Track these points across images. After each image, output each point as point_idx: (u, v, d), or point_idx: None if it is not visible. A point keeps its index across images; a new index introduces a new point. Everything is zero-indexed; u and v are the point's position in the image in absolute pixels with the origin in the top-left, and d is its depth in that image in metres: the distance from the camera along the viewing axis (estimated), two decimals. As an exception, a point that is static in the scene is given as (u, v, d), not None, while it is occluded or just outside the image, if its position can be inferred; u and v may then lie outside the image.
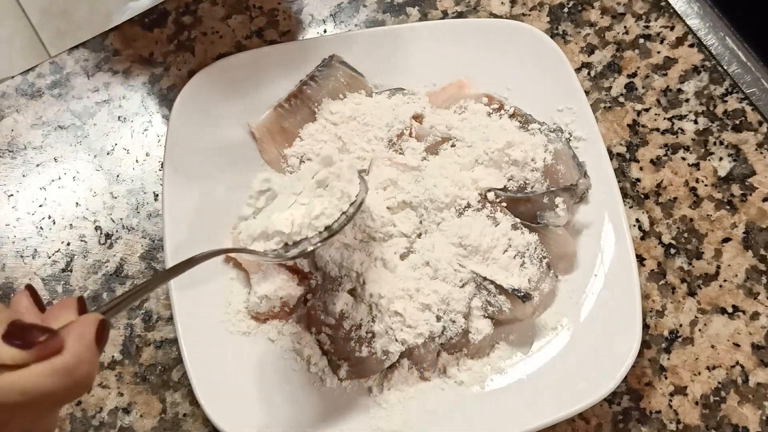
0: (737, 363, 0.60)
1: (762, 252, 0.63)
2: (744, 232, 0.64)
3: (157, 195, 0.68)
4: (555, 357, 0.58)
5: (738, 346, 0.61)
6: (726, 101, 0.69)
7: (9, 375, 0.32)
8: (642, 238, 0.65)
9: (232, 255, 0.61)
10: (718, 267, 0.63)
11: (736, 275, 0.63)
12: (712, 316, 0.62)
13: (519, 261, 0.59)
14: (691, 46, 0.71)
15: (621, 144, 0.68)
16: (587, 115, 0.64)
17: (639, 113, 0.69)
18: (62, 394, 0.33)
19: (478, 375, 0.58)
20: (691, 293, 0.63)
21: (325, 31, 0.74)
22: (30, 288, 0.37)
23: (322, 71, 0.66)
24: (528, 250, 0.60)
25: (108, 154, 0.70)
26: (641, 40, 0.72)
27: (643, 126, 0.68)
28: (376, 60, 0.68)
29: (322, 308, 0.58)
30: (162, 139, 0.69)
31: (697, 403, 0.59)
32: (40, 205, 0.68)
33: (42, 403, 0.33)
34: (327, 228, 0.53)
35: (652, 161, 0.67)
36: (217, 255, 0.50)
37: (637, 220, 0.65)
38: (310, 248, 0.52)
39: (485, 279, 0.58)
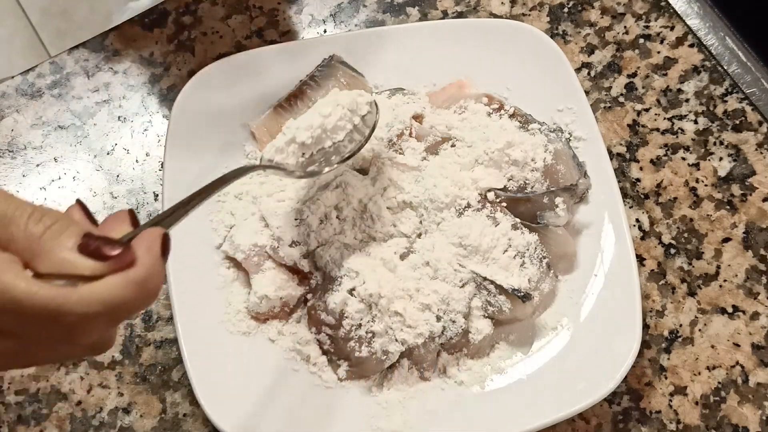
0: (737, 363, 0.60)
1: (762, 252, 0.63)
2: (744, 232, 0.64)
3: (157, 195, 0.68)
4: (555, 357, 0.58)
5: (738, 346, 0.61)
6: (726, 101, 0.69)
7: (90, 286, 0.33)
8: (642, 238, 0.65)
9: (231, 255, 0.61)
10: (718, 267, 0.63)
11: (736, 275, 0.63)
12: (712, 316, 0.62)
13: (519, 261, 0.59)
14: (691, 46, 0.71)
15: (621, 144, 0.68)
16: (587, 115, 0.64)
17: (639, 113, 0.69)
18: (136, 304, 0.35)
19: (478, 375, 0.58)
20: (691, 293, 0.63)
21: (325, 31, 0.74)
22: (80, 202, 0.38)
23: (322, 71, 0.66)
24: (528, 250, 0.60)
25: (108, 154, 0.70)
26: (641, 40, 0.72)
27: (643, 126, 0.68)
28: (376, 60, 0.68)
29: (322, 308, 0.58)
30: (162, 139, 0.69)
31: (697, 403, 0.59)
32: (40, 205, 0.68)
33: (118, 313, 0.35)
34: (343, 154, 0.57)
35: (652, 161, 0.67)
36: (249, 171, 0.53)
37: (637, 220, 0.65)
38: (327, 169, 0.56)
39: (485, 279, 0.58)
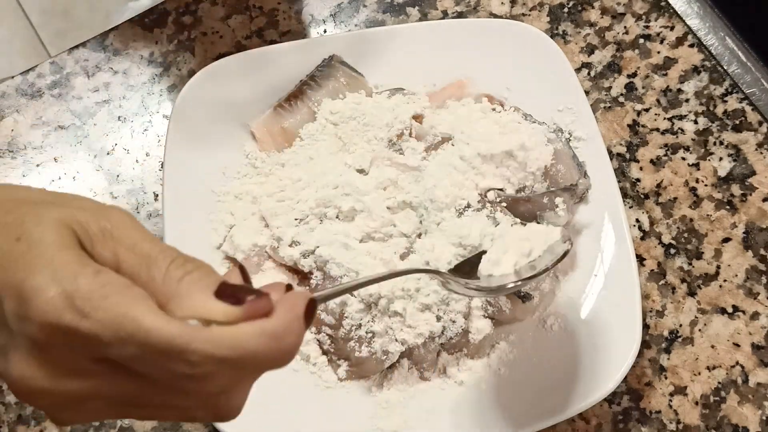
0: (737, 363, 0.60)
1: (762, 252, 0.63)
2: (744, 232, 0.64)
3: (157, 195, 0.68)
4: (555, 357, 0.58)
5: (738, 346, 0.61)
6: (726, 101, 0.69)
7: (221, 328, 0.32)
8: (642, 238, 0.65)
9: (231, 255, 0.61)
10: (718, 267, 0.63)
11: (736, 275, 0.63)
12: (712, 316, 0.62)
13: (519, 261, 0.59)
14: (691, 46, 0.71)
15: (621, 144, 0.68)
16: (587, 115, 0.64)
17: (639, 113, 0.69)
18: (267, 359, 0.33)
19: (478, 375, 0.58)
20: (691, 293, 0.63)
21: (325, 31, 0.74)
22: (242, 267, 0.37)
23: (322, 71, 0.66)
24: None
25: (108, 154, 0.70)
26: (641, 40, 0.72)
27: (643, 126, 0.68)
28: (376, 60, 0.68)
29: (322, 308, 0.58)
30: (162, 139, 0.69)
31: (697, 403, 0.59)
32: (40, 205, 0.68)
33: (246, 363, 0.33)
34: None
35: (652, 161, 0.67)
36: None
37: (637, 220, 0.65)
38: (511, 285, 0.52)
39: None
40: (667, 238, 0.64)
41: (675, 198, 0.66)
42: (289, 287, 0.36)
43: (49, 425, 0.61)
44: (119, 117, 0.71)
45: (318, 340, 0.59)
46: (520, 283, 0.51)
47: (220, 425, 0.55)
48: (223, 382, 0.33)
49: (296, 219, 0.61)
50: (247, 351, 0.32)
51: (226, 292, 0.33)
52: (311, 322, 0.35)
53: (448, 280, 0.51)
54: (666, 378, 0.60)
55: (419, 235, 0.61)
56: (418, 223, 0.61)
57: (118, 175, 0.69)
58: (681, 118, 0.69)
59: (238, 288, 0.34)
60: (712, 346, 0.61)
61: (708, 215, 0.65)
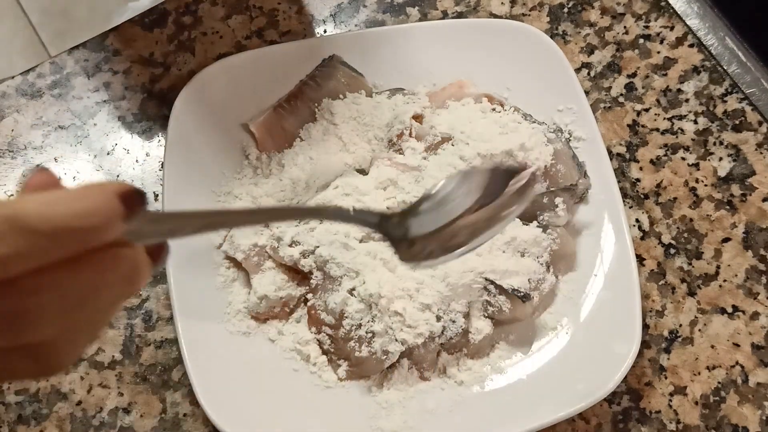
0: (737, 363, 0.60)
1: (762, 252, 0.63)
2: (744, 232, 0.64)
3: (157, 195, 0.68)
4: (555, 357, 0.58)
5: (738, 346, 0.61)
6: (726, 101, 0.69)
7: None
8: (642, 238, 0.65)
9: (231, 255, 0.61)
10: (718, 267, 0.63)
11: (736, 275, 0.63)
12: (712, 316, 0.62)
13: (519, 261, 0.59)
14: (691, 46, 0.71)
15: (621, 144, 0.68)
16: (587, 115, 0.64)
17: (639, 113, 0.69)
18: (80, 231, 0.28)
19: (478, 375, 0.58)
20: (691, 293, 0.63)
21: (325, 31, 0.74)
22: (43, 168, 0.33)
23: (322, 71, 0.66)
24: (528, 250, 0.59)
25: (108, 154, 0.70)
26: (641, 40, 0.72)
27: (643, 126, 0.68)
28: (376, 60, 0.68)
29: (322, 308, 0.58)
30: (162, 139, 0.69)
31: (697, 403, 0.59)
32: (40, 205, 0.68)
33: (65, 238, 0.28)
34: None
35: (651, 161, 0.67)
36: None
37: (637, 220, 0.65)
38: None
39: (485, 279, 0.58)
40: (667, 238, 0.64)
41: (675, 198, 0.66)
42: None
43: (49, 425, 0.61)
44: (119, 117, 0.71)
45: (318, 340, 0.59)
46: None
47: (220, 425, 0.55)
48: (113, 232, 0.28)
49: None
50: (58, 216, 0.27)
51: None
52: (137, 206, 0.30)
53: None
54: (666, 378, 0.60)
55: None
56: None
57: (118, 175, 0.69)
58: (681, 118, 0.69)
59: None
60: (712, 346, 0.61)
61: (708, 215, 0.65)
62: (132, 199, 0.30)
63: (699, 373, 0.60)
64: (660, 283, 0.63)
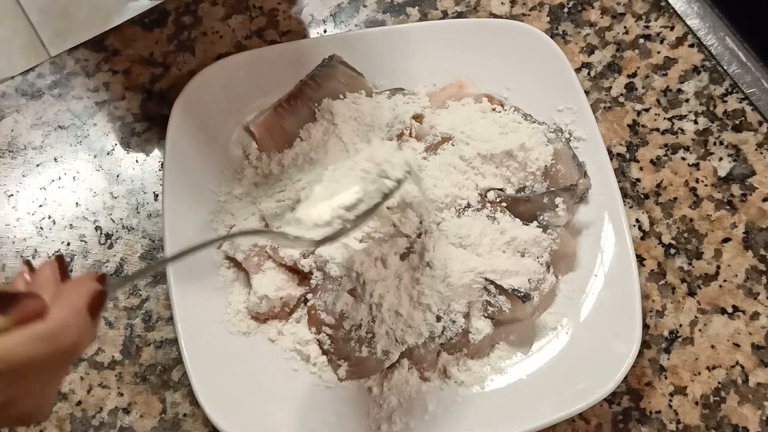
0: (737, 363, 0.60)
1: (762, 252, 0.63)
2: (744, 232, 0.64)
3: (157, 195, 0.68)
4: (555, 357, 0.58)
5: (738, 346, 0.61)
6: (726, 101, 0.69)
7: None
8: (642, 238, 0.65)
9: (231, 255, 0.61)
10: (718, 267, 0.63)
11: (736, 275, 0.63)
12: (712, 316, 0.62)
13: (519, 261, 0.59)
14: (691, 46, 0.71)
15: (621, 144, 0.68)
16: (587, 115, 0.64)
17: (639, 113, 0.69)
18: (47, 360, 0.32)
19: (478, 375, 0.58)
20: (691, 293, 0.63)
21: (325, 31, 0.74)
22: (59, 258, 0.36)
23: (322, 71, 0.66)
24: (528, 250, 0.59)
25: (108, 154, 0.70)
26: (641, 40, 0.72)
27: (643, 126, 0.68)
28: (376, 60, 0.68)
29: (322, 308, 0.58)
30: (162, 139, 0.69)
31: (697, 403, 0.59)
32: (40, 205, 0.68)
33: (26, 370, 0.31)
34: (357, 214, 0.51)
35: (652, 161, 0.67)
36: (237, 236, 0.50)
37: (637, 220, 0.65)
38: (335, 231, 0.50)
39: (485, 279, 0.58)
40: (667, 238, 0.64)
41: (675, 198, 0.66)
42: (101, 279, 0.35)
43: (48, 425, 0.61)
44: (119, 117, 0.71)
45: (318, 340, 0.59)
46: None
47: (220, 425, 0.55)
48: (11, 391, 0.32)
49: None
50: (20, 358, 0.30)
51: None
52: (100, 310, 0.33)
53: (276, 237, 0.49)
54: (666, 378, 0.60)
55: (419, 235, 0.61)
56: (419, 223, 0.61)
57: (118, 175, 0.69)
58: (681, 118, 0.69)
59: (3, 294, 0.32)
60: (712, 346, 0.61)
61: (708, 215, 0.65)
62: (101, 302, 0.34)
63: (699, 373, 0.60)
64: (660, 283, 0.63)
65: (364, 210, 0.52)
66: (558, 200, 0.61)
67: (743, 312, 0.62)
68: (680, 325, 0.62)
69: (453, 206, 0.60)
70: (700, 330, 0.61)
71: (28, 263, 0.36)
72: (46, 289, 0.34)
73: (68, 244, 0.66)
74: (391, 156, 0.54)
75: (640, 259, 0.64)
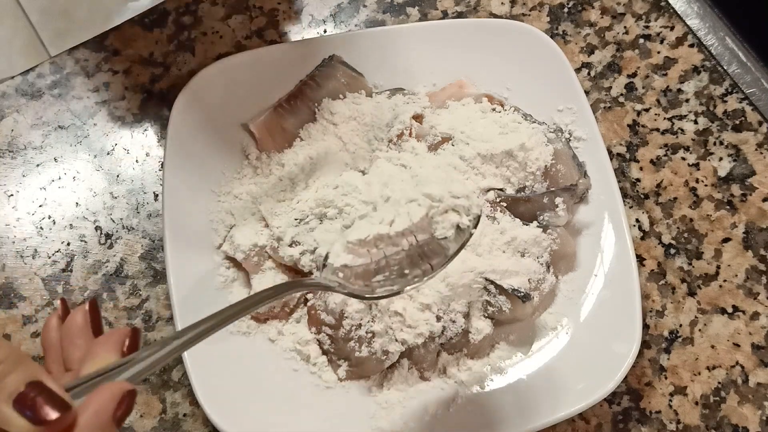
0: (737, 363, 0.60)
1: (762, 252, 0.63)
2: (744, 232, 0.64)
3: (157, 195, 0.68)
4: (555, 357, 0.58)
5: (738, 346, 0.61)
6: (726, 101, 0.69)
7: None
8: (642, 238, 0.65)
9: (231, 255, 0.61)
10: (718, 267, 0.63)
11: (736, 275, 0.63)
12: (712, 316, 0.62)
13: (519, 261, 0.59)
14: (691, 46, 0.71)
15: (621, 144, 0.68)
16: (587, 115, 0.64)
17: (639, 113, 0.69)
18: None
19: (478, 375, 0.58)
20: (691, 293, 0.63)
21: (325, 31, 0.74)
22: (92, 304, 0.36)
23: (322, 71, 0.66)
24: (528, 250, 0.59)
25: (108, 154, 0.70)
26: (641, 40, 0.72)
27: (643, 126, 0.68)
28: (376, 60, 0.68)
29: (322, 308, 0.58)
30: (162, 139, 0.69)
31: (697, 403, 0.59)
32: (40, 205, 0.68)
33: None
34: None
35: (652, 161, 0.67)
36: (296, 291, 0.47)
37: (637, 220, 0.65)
38: (408, 288, 0.48)
39: (485, 279, 0.58)
40: (667, 238, 0.64)
41: (675, 198, 0.66)
42: (133, 338, 0.34)
43: (49, 425, 0.61)
44: (119, 117, 0.71)
45: (318, 340, 0.59)
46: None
47: (220, 425, 0.55)
48: None
49: (296, 219, 0.61)
50: None
51: (26, 402, 0.31)
52: (127, 415, 0.33)
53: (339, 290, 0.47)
54: (666, 378, 0.60)
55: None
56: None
57: (118, 175, 0.69)
58: (681, 118, 0.69)
59: (43, 396, 0.31)
60: (712, 346, 0.61)
61: (708, 215, 0.65)
62: (129, 408, 0.34)
63: (699, 373, 0.60)
64: (660, 283, 0.63)
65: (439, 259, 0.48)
66: (558, 200, 0.61)
67: (743, 312, 0.62)
68: (680, 325, 0.62)
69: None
70: (700, 330, 0.61)
71: (63, 302, 0.36)
72: (76, 344, 0.34)
73: (68, 244, 0.66)
74: (468, 191, 0.49)
75: (640, 259, 0.64)
